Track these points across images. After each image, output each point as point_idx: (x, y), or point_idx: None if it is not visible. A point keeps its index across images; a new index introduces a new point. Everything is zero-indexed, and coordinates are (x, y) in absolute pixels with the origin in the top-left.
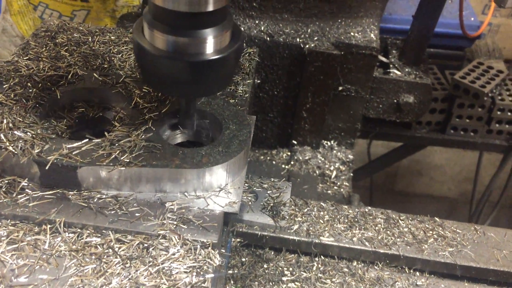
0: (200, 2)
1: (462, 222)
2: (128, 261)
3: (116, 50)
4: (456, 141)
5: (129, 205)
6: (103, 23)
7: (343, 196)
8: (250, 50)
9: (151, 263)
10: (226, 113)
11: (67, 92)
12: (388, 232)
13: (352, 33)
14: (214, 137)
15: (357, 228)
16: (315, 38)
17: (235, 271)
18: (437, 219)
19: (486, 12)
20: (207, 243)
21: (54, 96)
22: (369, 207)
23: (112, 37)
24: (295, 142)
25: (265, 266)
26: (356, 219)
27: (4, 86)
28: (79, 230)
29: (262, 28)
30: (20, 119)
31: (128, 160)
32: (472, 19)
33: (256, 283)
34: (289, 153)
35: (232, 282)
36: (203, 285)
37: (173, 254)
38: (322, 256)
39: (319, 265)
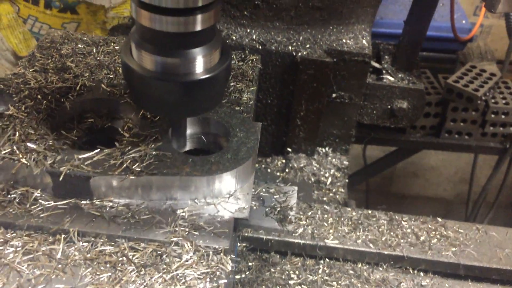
0: (187, 22)
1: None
2: (143, 269)
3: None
4: (451, 144)
5: (141, 213)
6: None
7: (339, 203)
8: (253, 58)
9: (165, 270)
10: (233, 120)
11: (76, 104)
12: (392, 233)
13: (344, 40)
14: (221, 144)
15: (361, 230)
16: (307, 46)
17: (242, 276)
18: (439, 219)
19: (477, 13)
20: (219, 249)
21: (63, 107)
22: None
23: (116, 47)
24: (290, 150)
25: (272, 270)
26: (359, 221)
27: (15, 99)
28: (92, 239)
29: (254, 37)
30: (32, 131)
31: (139, 169)
32: (464, 21)
33: (264, 287)
34: (284, 161)
35: (240, 287)
36: None
37: (186, 261)
38: (327, 259)
39: (325, 268)
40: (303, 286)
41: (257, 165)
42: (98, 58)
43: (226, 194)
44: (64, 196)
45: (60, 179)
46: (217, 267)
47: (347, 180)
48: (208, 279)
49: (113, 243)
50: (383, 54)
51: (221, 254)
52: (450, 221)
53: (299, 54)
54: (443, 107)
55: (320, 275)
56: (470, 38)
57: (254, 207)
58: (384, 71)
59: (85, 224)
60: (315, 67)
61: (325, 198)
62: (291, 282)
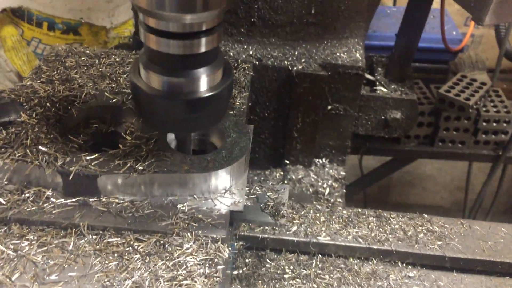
0: (192, 45)
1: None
2: (147, 257)
3: (121, 70)
4: (444, 153)
5: (144, 208)
6: None
7: None
8: (245, 66)
9: (167, 258)
10: (227, 123)
11: (82, 110)
12: (381, 229)
13: (338, 54)
14: (216, 145)
15: (352, 227)
16: (303, 60)
17: (240, 272)
18: (425, 215)
19: (468, 23)
20: (217, 238)
21: (70, 114)
22: (361, 209)
23: (117, 59)
24: (287, 162)
25: (267, 265)
26: (350, 219)
27: (25, 107)
28: (101, 232)
29: (251, 53)
30: (43, 136)
31: (142, 168)
32: (454, 33)
33: (260, 281)
34: (282, 173)
35: (237, 282)
36: (215, 275)
37: (187, 249)
38: (320, 255)
39: (318, 263)
40: (297, 279)
41: (256, 178)
42: (100, 69)
43: (222, 190)
44: (73, 194)
45: (70, 178)
46: (215, 254)
47: (344, 191)
48: (207, 265)
49: (119, 235)
50: (376, 66)
51: (219, 242)
52: (436, 217)
53: (295, 68)
54: (436, 116)
55: (313, 270)
56: (461, 48)
57: (249, 204)
58: (377, 83)
59: (93, 218)
60: (311, 80)
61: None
62: (286, 276)
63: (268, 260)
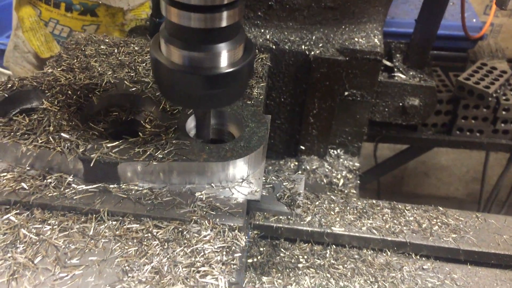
0: (213, 18)
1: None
2: (166, 243)
3: (140, 59)
4: (462, 142)
5: (163, 195)
6: None
7: None
8: (262, 56)
9: (186, 245)
10: (245, 113)
11: (103, 98)
12: (395, 221)
13: (356, 39)
14: (234, 134)
15: (366, 218)
16: (320, 45)
17: (254, 260)
18: (440, 208)
19: (488, 12)
20: (234, 227)
21: (91, 102)
22: (375, 200)
23: (136, 48)
24: (303, 148)
25: (282, 254)
26: (364, 210)
27: (47, 94)
28: (120, 218)
29: (268, 37)
30: (64, 123)
31: (161, 156)
32: (474, 20)
33: (274, 270)
34: (296, 163)
35: (252, 270)
36: (232, 262)
37: (205, 237)
38: (334, 245)
39: (332, 253)
40: (311, 269)
41: (270, 167)
42: (119, 58)
43: (240, 179)
44: (94, 180)
45: (91, 165)
46: (232, 242)
47: (358, 182)
48: (224, 253)
49: (138, 222)
50: (394, 53)
51: (236, 231)
52: (450, 210)
53: (312, 53)
54: (454, 104)
55: (327, 259)
56: (480, 36)
57: (266, 193)
58: (395, 69)
59: (113, 205)
60: (328, 65)
61: None
62: (299, 265)
63: (282, 249)
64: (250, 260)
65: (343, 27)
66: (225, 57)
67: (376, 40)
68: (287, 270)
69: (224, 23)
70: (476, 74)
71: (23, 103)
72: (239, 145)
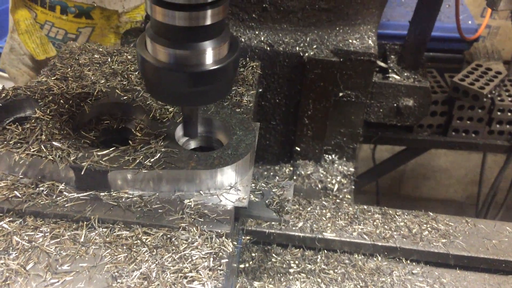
0: (198, 17)
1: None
2: (155, 250)
3: (133, 68)
4: (458, 143)
5: (152, 203)
6: (108, 39)
7: None
8: (253, 64)
9: (174, 251)
10: (233, 120)
11: (94, 107)
12: (386, 226)
13: (350, 40)
14: (222, 142)
15: (357, 224)
16: (314, 46)
17: (246, 265)
18: (430, 213)
19: (484, 14)
20: (222, 233)
21: (83, 111)
22: (366, 206)
23: (128, 57)
24: (298, 149)
25: (273, 260)
26: (355, 216)
27: (40, 103)
28: (111, 225)
29: (262, 39)
30: (56, 132)
31: (150, 164)
32: (470, 22)
33: (266, 275)
34: (291, 168)
35: (244, 275)
36: (219, 268)
37: (192, 243)
38: (325, 250)
39: (323, 258)
40: (302, 274)
41: (265, 173)
42: (113, 66)
43: (228, 186)
44: (85, 188)
45: (82, 173)
46: (220, 248)
47: (353, 187)
48: (211, 258)
49: (128, 229)
50: (389, 54)
51: (223, 237)
52: (441, 215)
53: (306, 54)
54: (450, 105)
55: (318, 265)
56: (476, 38)
57: (255, 200)
58: (390, 70)
59: (104, 212)
60: (322, 66)
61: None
62: (291, 270)
63: (274, 255)
64: (242, 266)
65: (337, 28)
66: (210, 55)
67: (370, 41)
68: (279, 275)
69: (208, 21)
70: (471, 75)
71: (17, 112)
72: (227, 152)
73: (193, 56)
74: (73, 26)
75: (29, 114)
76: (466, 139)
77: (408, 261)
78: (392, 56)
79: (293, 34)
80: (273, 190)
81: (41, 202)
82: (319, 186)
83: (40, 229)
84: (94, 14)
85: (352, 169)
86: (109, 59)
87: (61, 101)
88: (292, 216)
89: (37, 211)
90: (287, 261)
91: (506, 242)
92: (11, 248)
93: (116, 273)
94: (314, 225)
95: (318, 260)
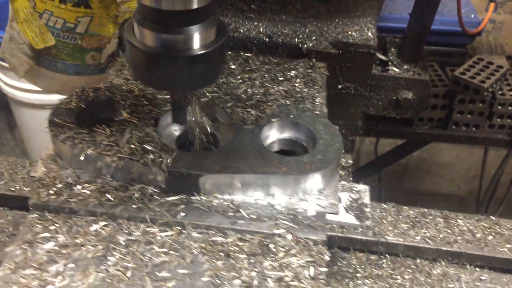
0: (183, 0)
1: None
2: (253, 257)
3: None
4: (458, 136)
5: (244, 208)
6: (107, 29)
7: None
8: (320, 65)
9: (273, 259)
10: (317, 124)
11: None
12: (448, 230)
13: (349, 32)
14: (306, 146)
15: (419, 228)
16: (313, 38)
17: None
18: (492, 217)
19: (489, 9)
20: (318, 241)
21: (163, 113)
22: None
23: None
24: None
25: (339, 264)
26: (417, 219)
27: (123, 105)
28: (204, 230)
29: (261, 30)
30: (144, 135)
31: (242, 169)
32: (472, 16)
33: (333, 279)
34: None
35: None
36: (320, 277)
37: (290, 250)
38: (387, 254)
39: (388, 263)
40: (370, 279)
41: None
42: None
43: (316, 191)
44: (175, 192)
45: (173, 177)
46: (317, 257)
47: (351, 179)
48: (311, 267)
49: (223, 234)
50: (389, 47)
51: (319, 245)
52: (503, 219)
53: (305, 46)
54: (450, 99)
55: (384, 269)
56: (478, 31)
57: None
58: (389, 63)
59: (197, 217)
60: (321, 58)
61: None
62: (358, 275)
63: (339, 258)
64: None
65: (337, 20)
66: (197, 39)
67: (369, 33)
68: (346, 280)
69: (195, 5)
70: (472, 69)
71: (99, 114)
72: (317, 157)
73: (180, 40)
74: (71, 15)
75: (110, 115)
76: (467, 133)
77: (473, 267)
78: (392, 49)
79: (292, 26)
80: (350, 194)
81: (134, 206)
82: None
83: (134, 233)
84: (92, 3)
85: (350, 161)
86: None
87: (145, 102)
88: (372, 222)
89: (130, 215)
90: (353, 266)
91: None
92: (108, 253)
93: (217, 281)
94: (376, 228)
95: (384, 265)
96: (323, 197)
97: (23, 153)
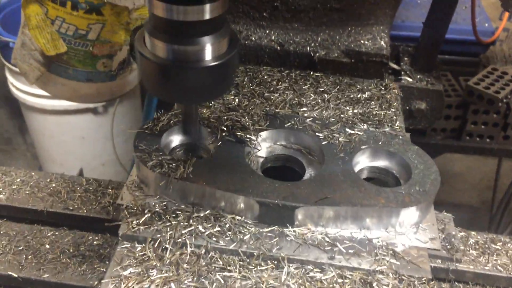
0: (196, 11)
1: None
2: None
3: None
4: (472, 147)
5: (340, 241)
6: (118, 36)
7: None
8: (393, 86)
9: None
10: (409, 153)
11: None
12: None
13: (362, 41)
14: (397, 175)
15: (490, 254)
16: (325, 47)
17: None
18: None
19: (502, 17)
20: (423, 279)
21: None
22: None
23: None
24: None
25: None
26: (486, 245)
27: (209, 131)
28: (299, 264)
29: (273, 38)
30: (235, 162)
31: (337, 201)
32: (486, 24)
33: None
34: None
35: None
36: None
37: None
38: (456, 282)
39: None
40: None
41: None
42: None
43: (413, 224)
44: (267, 223)
45: (268, 208)
46: None
47: None
48: None
49: (320, 270)
50: (402, 56)
51: (425, 284)
52: None
53: (317, 54)
54: (464, 109)
55: None
56: (492, 40)
57: None
58: (402, 72)
59: (292, 250)
60: (333, 67)
61: None
62: None
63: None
64: None
65: (349, 29)
66: (209, 51)
67: (382, 42)
68: None
69: (207, 16)
70: (487, 79)
71: (180, 139)
72: (415, 189)
73: (192, 51)
74: (83, 22)
75: (190, 140)
76: (481, 144)
77: None
78: (405, 58)
79: (304, 34)
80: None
81: (226, 238)
82: None
83: (229, 268)
84: (104, 10)
85: None
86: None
87: (229, 127)
88: (462, 255)
89: (221, 248)
90: None
91: None
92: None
93: None
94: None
95: None
96: (421, 230)
97: (34, 157)
